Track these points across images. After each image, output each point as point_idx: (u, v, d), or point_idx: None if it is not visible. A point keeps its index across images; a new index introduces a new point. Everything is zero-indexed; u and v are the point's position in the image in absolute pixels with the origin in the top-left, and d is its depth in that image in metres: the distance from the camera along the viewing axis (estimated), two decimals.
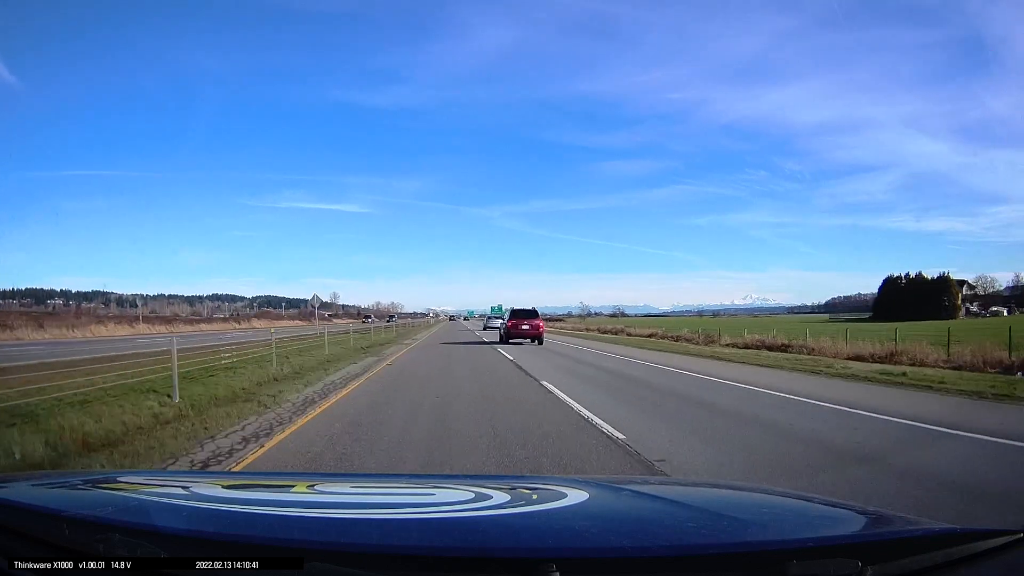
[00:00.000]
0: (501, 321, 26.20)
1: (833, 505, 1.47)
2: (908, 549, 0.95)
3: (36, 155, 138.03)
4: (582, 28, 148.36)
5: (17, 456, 4.33)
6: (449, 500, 1.37)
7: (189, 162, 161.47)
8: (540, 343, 22.12)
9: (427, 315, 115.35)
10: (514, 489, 1.50)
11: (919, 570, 0.91)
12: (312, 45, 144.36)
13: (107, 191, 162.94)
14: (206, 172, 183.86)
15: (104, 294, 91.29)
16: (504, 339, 22.99)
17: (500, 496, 1.34)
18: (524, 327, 21.95)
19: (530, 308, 23.59)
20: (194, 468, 4.45)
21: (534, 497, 1.42)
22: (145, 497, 1.34)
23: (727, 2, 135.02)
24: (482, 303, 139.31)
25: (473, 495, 1.38)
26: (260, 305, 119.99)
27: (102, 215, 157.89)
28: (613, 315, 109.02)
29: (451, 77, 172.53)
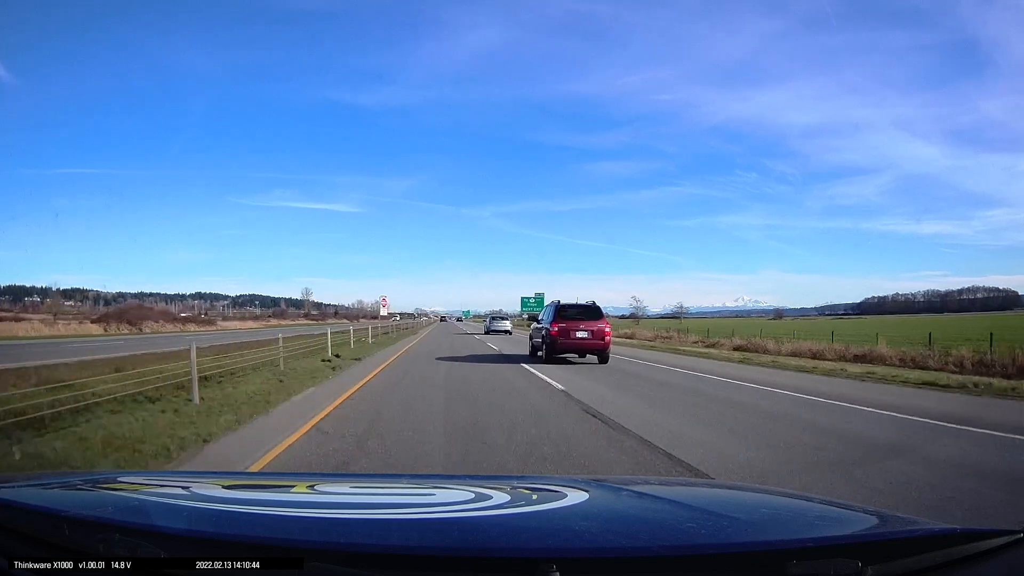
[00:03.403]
0: (540, 324, 15.76)
1: (833, 505, 1.49)
2: (908, 549, 0.98)
3: (25, 152, 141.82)
4: (571, 29, 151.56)
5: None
6: (449, 500, 1.40)
7: (179, 160, 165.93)
8: (605, 360, 14.14)
9: (393, 317, 69.49)
10: (514, 489, 1.53)
11: (919, 570, 0.93)
12: (302, 45, 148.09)
13: (95, 189, 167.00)
14: (196, 171, 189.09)
15: (83, 292, 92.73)
16: (544, 352, 14.36)
17: (500, 496, 1.37)
18: (580, 334, 13.88)
19: (588, 303, 15.00)
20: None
21: (534, 497, 1.46)
22: (145, 497, 1.37)
23: (716, 4, 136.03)
24: (472, 303, 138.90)
25: (473, 495, 1.41)
26: (242, 304, 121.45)
27: (90, 213, 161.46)
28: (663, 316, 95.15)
29: (440, 77, 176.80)
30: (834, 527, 1.23)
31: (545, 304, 20.86)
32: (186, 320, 58.03)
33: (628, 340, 30.99)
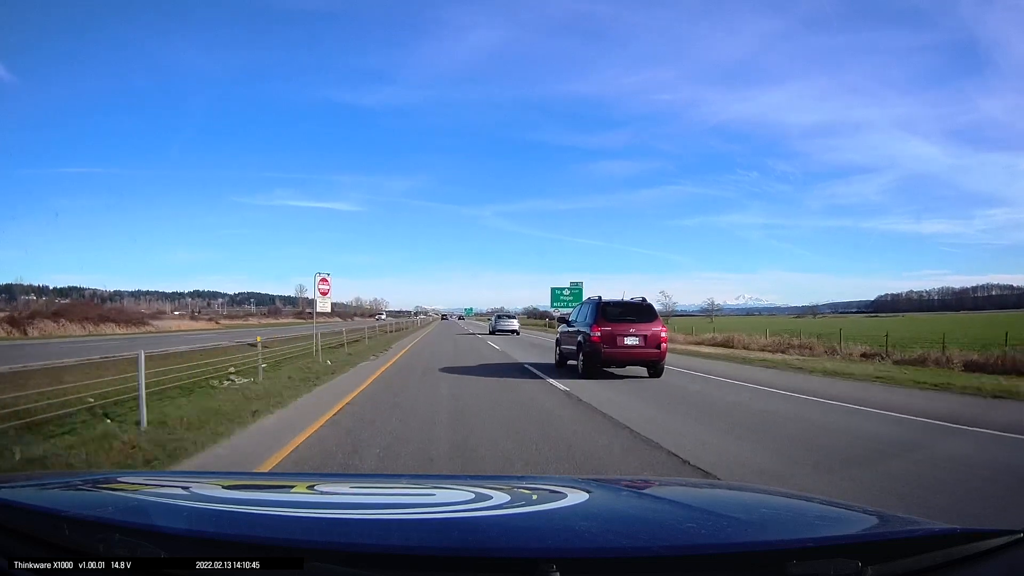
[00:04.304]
0: (573, 327, 12.70)
1: (833, 505, 1.52)
2: (908, 549, 1.00)
3: (27, 152, 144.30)
4: (571, 29, 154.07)
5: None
6: (449, 500, 1.43)
7: (179, 160, 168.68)
8: (659, 374, 11.48)
9: (378, 316, 73.72)
10: (514, 489, 1.56)
11: (919, 570, 0.95)
12: (302, 45, 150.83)
13: (96, 188, 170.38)
14: (196, 170, 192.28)
15: (80, 290, 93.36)
16: (582, 364, 11.56)
17: (500, 496, 1.39)
18: (630, 340, 11.11)
19: (637, 299, 12.24)
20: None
21: (534, 497, 1.48)
22: (145, 497, 1.40)
23: (716, 4, 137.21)
24: (473, 302, 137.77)
25: (473, 495, 1.43)
26: (240, 302, 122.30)
27: (92, 213, 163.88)
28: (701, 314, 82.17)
29: (440, 77, 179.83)
30: (834, 527, 1.25)
31: (582, 300, 16.10)
32: (102, 320, 42.29)
33: (727, 350, 20.76)
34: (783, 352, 19.52)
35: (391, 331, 34.77)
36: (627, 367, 11.96)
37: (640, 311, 11.88)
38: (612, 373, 11.94)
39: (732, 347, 22.36)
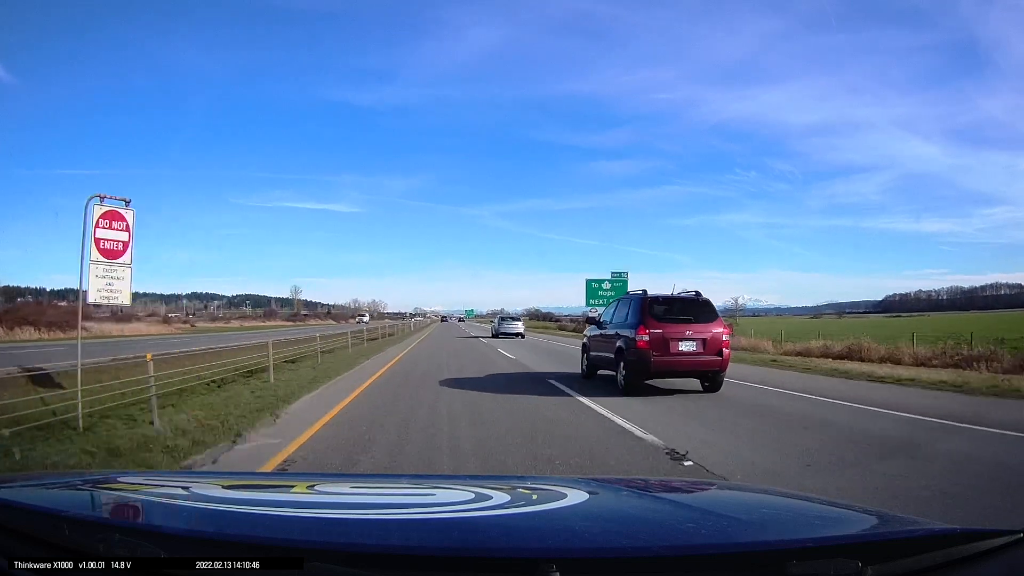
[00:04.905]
0: (609, 330, 10.51)
1: (833, 505, 1.53)
2: (908, 549, 1.01)
3: (26, 153, 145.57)
4: (571, 29, 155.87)
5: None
6: (449, 500, 1.44)
7: (179, 160, 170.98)
8: (717, 388, 9.41)
9: (359, 319, 69.69)
10: (514, 489, 1.57)
11: (919, 570, 0.96)
12: (302, 45, 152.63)
13: (95, 189, 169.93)
14: (196, 171, 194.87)
15: (75, 292, 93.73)
16: (623, 376, 9.39)
17: (500, 496, 1.40)
18: (685, 345, 9.05)
19: (690, 294, 10.22)
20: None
21: (534, 497, 1.49)
22: (145, 497, 1.42)
23: (716, 4, 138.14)
24: (472, 303, 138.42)
25: (473, 495, 1.44)
26: (238, 303, 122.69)
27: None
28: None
29: (440, 77, 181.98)
30: (834, 527, 1.26)
31: (624, 295, 12.61)
32: (18, 323, 34.47)
33: (865, 365, 14.55)
34: (958, 367, 13.80)
35: (367, 340, 24.82)
36: (667, 379, 9.85)
37: (696, 308, 9.66)
38: (657, 388, 9.81)
39: (864, 359, 16.20)
